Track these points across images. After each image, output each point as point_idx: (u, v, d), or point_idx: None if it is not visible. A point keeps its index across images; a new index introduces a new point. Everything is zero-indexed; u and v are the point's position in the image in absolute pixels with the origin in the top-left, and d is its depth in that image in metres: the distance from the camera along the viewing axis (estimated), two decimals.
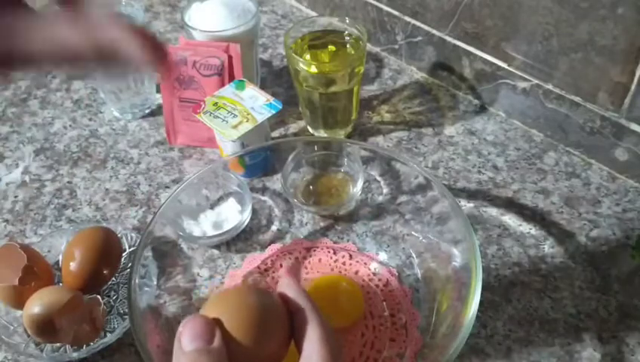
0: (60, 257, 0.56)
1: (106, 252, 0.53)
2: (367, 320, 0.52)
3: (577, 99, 0.62)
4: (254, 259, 0.58)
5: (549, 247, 0.58)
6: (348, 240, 0.59)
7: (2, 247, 0.53)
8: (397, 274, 0.55)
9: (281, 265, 0.57)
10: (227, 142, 0.63)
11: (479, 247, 0.47)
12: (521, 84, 0.67)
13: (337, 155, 0.62)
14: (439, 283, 0.52)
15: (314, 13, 0.87)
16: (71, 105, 0.76)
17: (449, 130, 0.70)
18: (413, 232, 0.57)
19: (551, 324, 0.52)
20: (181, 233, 0.57)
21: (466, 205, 0.62)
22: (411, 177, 0.56)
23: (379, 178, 0.61)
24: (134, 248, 0.57)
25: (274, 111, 0.61)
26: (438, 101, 0.74)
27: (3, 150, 0.71)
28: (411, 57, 0.78)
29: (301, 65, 0.63)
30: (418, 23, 0.73)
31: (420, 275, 0.54)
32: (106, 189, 0.66)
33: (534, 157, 0.67)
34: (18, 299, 0.50)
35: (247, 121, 0.60)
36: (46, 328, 0.48)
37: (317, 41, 0.66)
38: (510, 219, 0.60)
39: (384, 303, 0.53)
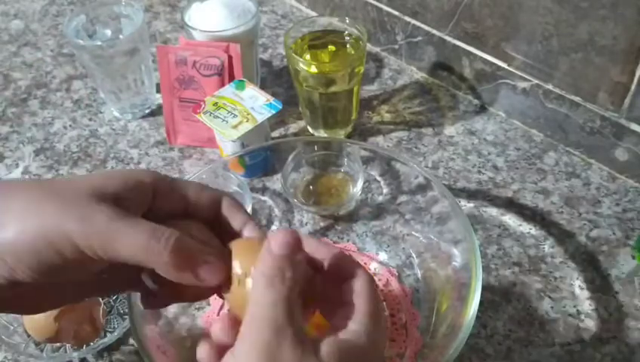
0: None
1: None
2: None
3: (577, 99, 0.62)
4: None
5: (549, 247, 0.58)
6: (348, 240, 0.59)
7: None
8: (397, 274, 0.55)
9: None
10: (227, 142, 0.63)
11: (479, 247, 0.47)
12: (521, 84, 0.67)
13: (337, 155, 0.62)
14: (439, 283, 0.52)
15: (314, 13, 0.87)
16: (71, 105, 0.76)
17: (449, 130, 0.70)
18: (413, 232, 0.57)
19: (551, 324, 0.52)
20: None
21: (466, 205, 0.62)
22: (411, 177, 0.56)
23: (379, 178, 0.61)
24: None
25: (274, 111, 0.61)
26: (438, 101, 0.74)
27: (3, 150, 0.71)
28: (411, 57, 0.78)
29: (301, 65, 0.63)
30: (418, 23, 0.73)
31: (419, 275, 0.54)
32: None
33: (534, 157, 0.67)
34: None
35: (247, 121, 0.60)
36: (46, 328, 0.48)
37: (317, 41, 0.66)
38: (510, 219, 0.60)
39: (384, 303, 0.53)
